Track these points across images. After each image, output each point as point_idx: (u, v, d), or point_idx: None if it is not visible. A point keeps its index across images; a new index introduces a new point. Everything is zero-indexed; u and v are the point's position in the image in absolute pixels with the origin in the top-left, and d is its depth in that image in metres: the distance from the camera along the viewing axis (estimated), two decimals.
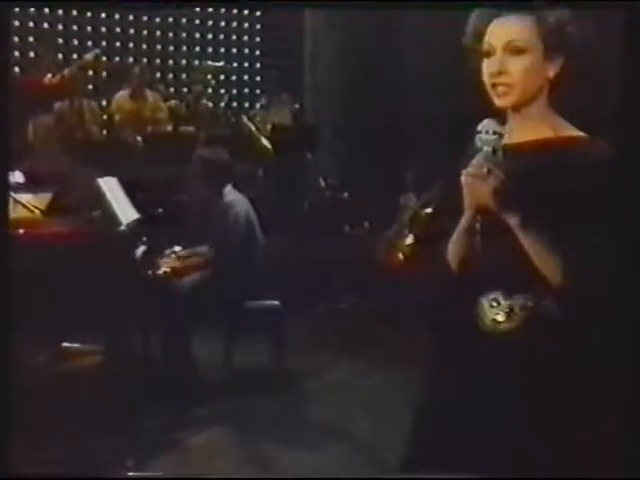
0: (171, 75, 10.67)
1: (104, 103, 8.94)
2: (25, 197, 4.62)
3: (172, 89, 10.40)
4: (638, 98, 2.33)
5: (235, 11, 11.00)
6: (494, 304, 1.93)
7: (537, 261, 1.86)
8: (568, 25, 1.91)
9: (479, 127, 1.90)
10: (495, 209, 1.87)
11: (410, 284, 6.15)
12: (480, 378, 1.98)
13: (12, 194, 4.56)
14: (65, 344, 5.23)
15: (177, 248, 5.28)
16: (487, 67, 1.93)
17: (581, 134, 1.96)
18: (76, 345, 5.25)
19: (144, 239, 4.89)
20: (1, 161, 3.07)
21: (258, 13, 11.04)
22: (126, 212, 4.86)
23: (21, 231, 4.44)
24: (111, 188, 4.90)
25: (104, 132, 8.43)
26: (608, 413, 1.92)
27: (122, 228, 4.64)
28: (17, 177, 5.16)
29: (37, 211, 4.57)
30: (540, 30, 1.90)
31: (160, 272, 5.00)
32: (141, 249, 4.81)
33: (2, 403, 2.81)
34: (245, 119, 8.64)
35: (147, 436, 4.24)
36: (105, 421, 4.21)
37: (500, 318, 1.92)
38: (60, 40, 10.07)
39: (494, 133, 1.88)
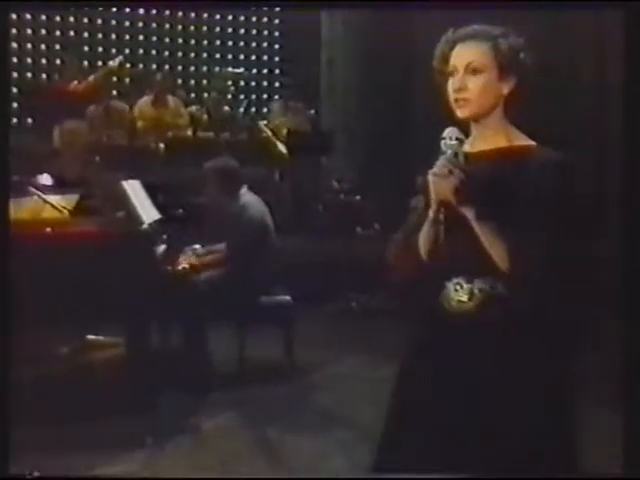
0: (192, 81, 10.88)
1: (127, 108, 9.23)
2: (54, 198, 4.76)
3: (193, 95, 10.58)
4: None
5: (254, 19, 11.20)
6: (458, 287, 2.23)
7: (489, 250, 2.16)
8: (521, 51, 2.22)
9: (444, 134, 2.20)
10: (455, 204, 2.17)
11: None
12: (453, 356, 2.27)
13: (41, 195, 4.82)
14: (89, 337, 5.42)
15: (195, 246, 5.50)
16: (451, 85, 2.25)
17: (531, 143, 2.26)
18: (100, 338, 5.45)
19: (165, 238, 5.12)
20: (2, 161, 3.11)
21: (277, 21, 11.27)
22: (148, 213, 5.07)
23: (50, 230, 4.61)
24: (134, 190, 5.12)
25: (127, 137, 8.64)
26: (550, 390, 2.20)
27: (144, 227, 4.86)
28: (46, 179, 5.32)
29: (65, 211, 4.71)
30: (495, 54, 2.21)
31: (179, 268, 5.19)
32: (162, 247, 5.05)
33: (2, 401, 2.84)
34: (262, 125, 8.87)
35: (165, 420, 4.51)
36: (127, 406, 4.44)
37: (464, 299, 2.22)
38: (85, 47, 10.32)
39: (456, 139, 2.19)
